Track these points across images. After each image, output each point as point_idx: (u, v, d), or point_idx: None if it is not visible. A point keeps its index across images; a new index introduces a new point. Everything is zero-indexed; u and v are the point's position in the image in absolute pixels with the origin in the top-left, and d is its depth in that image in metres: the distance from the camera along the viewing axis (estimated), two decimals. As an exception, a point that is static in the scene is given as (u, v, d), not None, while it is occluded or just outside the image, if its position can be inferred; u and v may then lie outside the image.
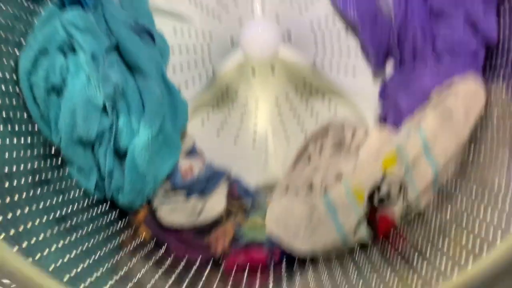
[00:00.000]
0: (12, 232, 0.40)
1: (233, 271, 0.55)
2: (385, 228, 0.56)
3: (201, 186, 0.59)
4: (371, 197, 0.56)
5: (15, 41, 0.53)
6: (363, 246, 0.56)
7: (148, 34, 0.62)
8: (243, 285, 0.53)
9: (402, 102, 0.61)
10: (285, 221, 0.57)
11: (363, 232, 0.56)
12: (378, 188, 0.56)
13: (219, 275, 0.55)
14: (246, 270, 0.56)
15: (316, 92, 0.67)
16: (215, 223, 0.57)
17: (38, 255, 0.40)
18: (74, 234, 0.48)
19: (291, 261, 0.57)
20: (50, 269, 0.40)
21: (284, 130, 0.67)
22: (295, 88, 0.67)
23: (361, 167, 0.58)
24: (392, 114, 0.62)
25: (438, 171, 0.55)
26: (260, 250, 0.56)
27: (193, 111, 0.65)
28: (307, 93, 0.67)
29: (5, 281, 0.35)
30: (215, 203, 0.57)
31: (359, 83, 0.65)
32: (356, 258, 0.55)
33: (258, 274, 0.55)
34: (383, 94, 0.65)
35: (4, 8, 0.52)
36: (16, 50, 0.53)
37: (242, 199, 0.60)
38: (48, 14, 0.55)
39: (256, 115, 0.67)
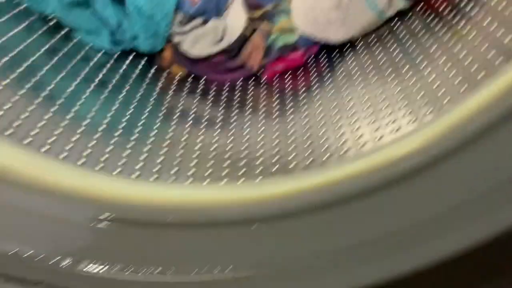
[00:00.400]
0: (70, 115, 0.42)
1: (276, 81, 0.55)
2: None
3: (215, 4, 0.54)
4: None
5: None
6: (401, 15, 0.52)
7: None
8: (288, 89, 0.54)
9: None
10: (313, 14, 0.53)
11: (399, 0, 0.51)
12: None
13: (263, 88, 0.55)
14: (288, 76, 0.55)
15: None
16: (243, 40, 0.54)
17: (99, 133, 0.42)
18: (118, 97, 0.49)
19: (329, 52, 0.55)
20: (113, 141, 0.42)
21: None
22: None
23: None
24: None
25: None
26: (295, 52, 0.55)
27: None
28: None
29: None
30: (236, 20, 0.54)
31: None
32: (396, 31, 0.52)
33: (301, 75, 0.55)
34: None
35: None
36: None
37: (262, 5, 0.55)
38: None
39: None
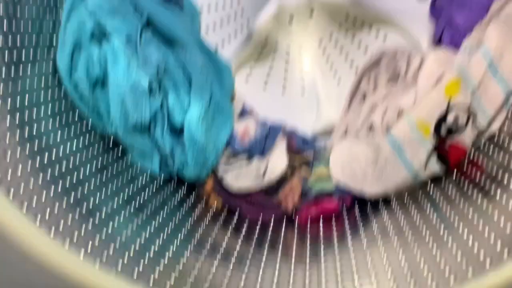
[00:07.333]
0: (97, 239, 0.42)
1: (308, 225, 0.56)
2: (456, 157, 0.54)
3: (261, 146, 0.58)
4: (437, 128, 0.54)
5: (46, 43, 0.52)
6: (436, 180, 0.55)
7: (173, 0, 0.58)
8: (321, 236, 0.54)
9: (458, 18, 0.55)
10: (350, 167, 0.56)
11: (434, 165, 0.54)
12: (444, 118, 0.53)
13: (295, 230, 0.56)
14: (321, 221, 0.56)
15: (361, 25, 0.62)
16: (282, 181, 0.57)
17: (127, 254, 0.42)
18: (153, 222, 0.50)
19: (364, 205, 0.57)
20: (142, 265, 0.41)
21: (332, 70, 0.64)
22: (338, 26, 0.62)
23: (423, 99, 0.55)
24: (448, 33, 0.57)
25: (509, 90, 0.51)
26: (330, 200, 0.57)
27: (235, 70, 0.63)
28: (352, 27, 0.62)
29: None
30: (278, 161, 0.57)
31: (407, 4, 0.60)
32: (431, 193, 0.54)
33: (333, 223, 0.56)
34: (435, 12, 0.59)
35: (27, 10, 0.50)
36: (49, 52, 0.52)
37: (303, 152, 0.59)
38: (71, 4, 0.53)
39: (301, 61, 0.63)
